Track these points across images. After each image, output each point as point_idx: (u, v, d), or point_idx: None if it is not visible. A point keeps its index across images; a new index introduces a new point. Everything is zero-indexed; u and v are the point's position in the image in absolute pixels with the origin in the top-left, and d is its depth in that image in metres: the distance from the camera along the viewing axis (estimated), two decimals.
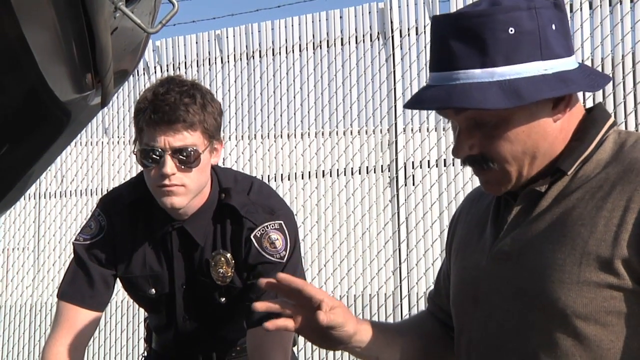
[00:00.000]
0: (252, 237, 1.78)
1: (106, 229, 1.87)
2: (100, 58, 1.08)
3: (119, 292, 4.92)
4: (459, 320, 1.23)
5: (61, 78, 1.16)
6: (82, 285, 1.85)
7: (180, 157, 1.67)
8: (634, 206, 1.01)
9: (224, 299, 1.86)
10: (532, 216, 1.11)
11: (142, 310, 4.98)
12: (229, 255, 1.81)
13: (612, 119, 1.14)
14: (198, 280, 1.86)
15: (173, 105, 1.64)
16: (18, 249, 5.50)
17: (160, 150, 1.66)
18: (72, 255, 1.91)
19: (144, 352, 2.19)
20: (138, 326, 5.05)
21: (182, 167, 1.68)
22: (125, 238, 1.88)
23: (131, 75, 5.26)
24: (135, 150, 1.77)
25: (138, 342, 5.04)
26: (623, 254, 1.00)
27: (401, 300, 4.34)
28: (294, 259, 1.81)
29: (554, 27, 1.07)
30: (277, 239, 1.78)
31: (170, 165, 1.66)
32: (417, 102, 1.13)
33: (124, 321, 5.13)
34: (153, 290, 1.90)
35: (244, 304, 1.82)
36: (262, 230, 1.78)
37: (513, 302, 1.10)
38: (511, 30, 1.04)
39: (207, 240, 1.83)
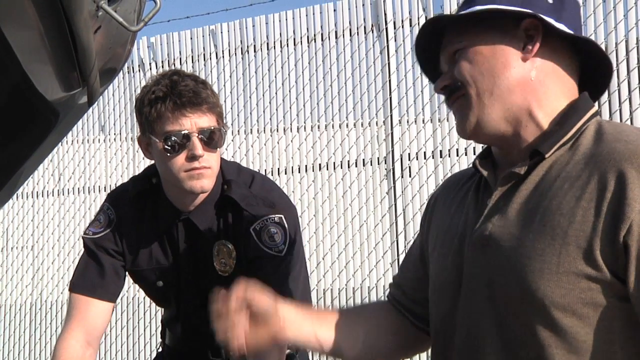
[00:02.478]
0: (251, 230, 1.80)
1: (115, 222, 1.90)
2: (83, 57, 1.08)
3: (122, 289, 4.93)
4: (439, 308, 1.23)
5: (47, 77, 1.16)
6: (93, 276, 1.88)
7: (207, 137, 1.73)
8: (607, 195, 1.01)
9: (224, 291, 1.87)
10: (513, 202, 1.11)
11: (141, 307, 5.01)
12: (230, 246, 1.83)
13: (594, 109, 1.16)
14: (202, 271, 1.87)
15: (195, 89, 1.72)
16: (17, 247, 5.51)
17: (187, 133, 1.71)
18: (82, 250, 1.94)
19: (158, 347, 2.21)
20: (138, 323, 5.06)
21: (208, 147, 1.74)
22: (132, 232, 1.90)
23: (127, 73, 5.27)
24: (148, 142, 1.77)
25: (138, 339, 5.05)
26: (600, 244, 1.00)
27: None
28: (294, 253, 1.83)
29: (550, 0, 1.15)
30: (276, 232, 1.80)
31: (199, 146, 1.72)
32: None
33: (123, 318, 5.14)
34: (160, 282, 1.92)
35: None
36: (262, 224, 1.80)
37: (492, 289, 1.10)
38: None
39: (212, 232, 1.85)
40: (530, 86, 1.14)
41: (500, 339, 1.09)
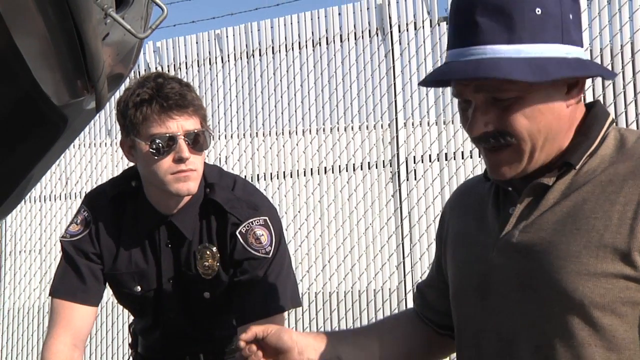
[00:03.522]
0: (237, 233, 1.80)
1: (92, 224, 1.88)
2: (91, 63, 1.10)
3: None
4: (462, 313, 1.24)
5: (55, 83, 1.18)
6: (73, 280, 1.86)
7: (193, 140, 1.74)
8: None
9: (208, 293, 1.87)
10: (541, 209, 1.13)
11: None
12: (214, 248, 1.83)
13: (611, 117, 1.18)
14: (184, 274, 1.87)
15: (181, 91, 1.72)
16: (25, 251, 5.54)
17: (173, 136, 1.71)
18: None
19: (129, 358, 2.18)
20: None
21: (194, 150, 1.74)
22: (110, 234, 1.89)
23: (134, 77, 5.30)
24: (132, 145, 1.77)
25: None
26: (639, 245, 1.04)
27: (405, 295, 4.36)
28: (280, 254, 1.83)
29: (571, 16, 1.10)
30: (263, 234, 1.81)
31: (186, 149, 1.72)
32: (442, 74, 1.14)
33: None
34: (139, 288, 1.90)
35: (228, 300, 1.84)
36: (247, 226, 1.80)
37: (524, 294, 1.12)
38: (538, 11, 1.06)
39: (195, 235, 1.85)
40: (567, 121, 1.14)
41: (533, 341, 1.11)
